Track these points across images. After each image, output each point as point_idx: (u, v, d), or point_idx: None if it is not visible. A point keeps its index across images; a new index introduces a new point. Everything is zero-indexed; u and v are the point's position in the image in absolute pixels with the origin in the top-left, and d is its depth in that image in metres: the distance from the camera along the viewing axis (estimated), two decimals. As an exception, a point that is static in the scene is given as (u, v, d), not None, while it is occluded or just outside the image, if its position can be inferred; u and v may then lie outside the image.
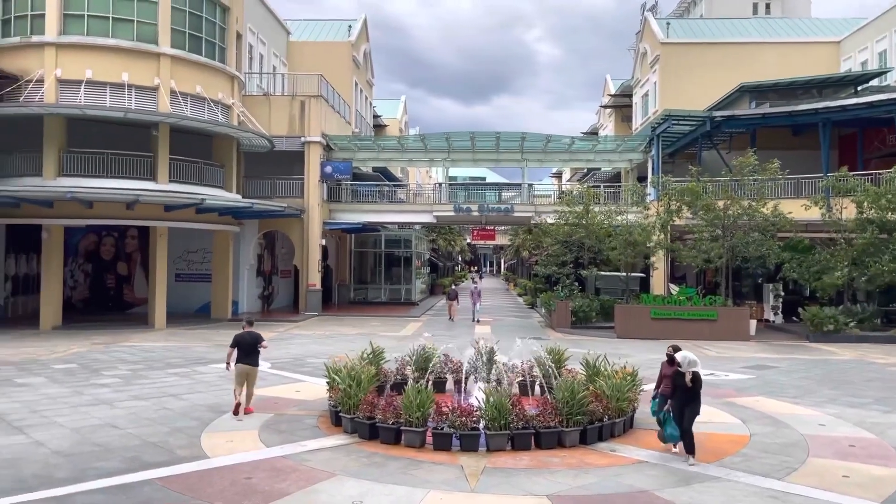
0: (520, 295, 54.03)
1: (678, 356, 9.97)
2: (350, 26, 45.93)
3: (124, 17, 25.94)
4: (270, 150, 31.79)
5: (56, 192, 23.97)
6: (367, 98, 50.51)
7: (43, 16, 25.11)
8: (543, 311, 33.52)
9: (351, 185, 36.40)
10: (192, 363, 18.42)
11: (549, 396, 11.38)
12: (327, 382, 12.22)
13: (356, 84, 45.73)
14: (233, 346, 12.52)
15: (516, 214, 36.32)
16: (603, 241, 29.60)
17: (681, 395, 9.79)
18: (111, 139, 26.37)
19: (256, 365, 12.61)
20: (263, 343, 12.75)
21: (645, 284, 33.85)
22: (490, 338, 13.52)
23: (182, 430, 11.38)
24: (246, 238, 32.87)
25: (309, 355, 19.98)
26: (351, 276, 42.29)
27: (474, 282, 37.66)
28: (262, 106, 32.97)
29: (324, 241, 34.56)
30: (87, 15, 25.55)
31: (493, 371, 12.29)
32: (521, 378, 13.15)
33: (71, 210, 25.27)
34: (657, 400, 10.77)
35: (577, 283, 31.68)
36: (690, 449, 9.75)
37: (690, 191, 26.57)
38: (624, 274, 31.09)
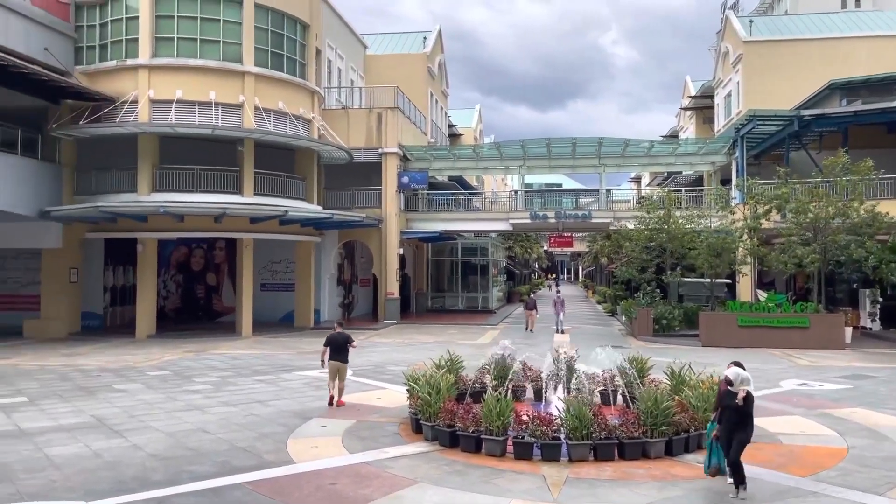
0: (599, 302, 53.15)
1: (729, 373, 8.99)
2: (425, 38, 46.51)
3: (211, 39, 27.10)
4: (349, 161, 32.49)
5: (150, 207, 25.22)
6: (442, 108, 50.97)
7: (136, 40, 26.51)
8: (624, 318, 32.85)
9: (427, 194, 36.77)
10: (278, 370, 18.97)
11: (631, 406, 11.15)
12: (407, 390, 12.37)
13: (431, 95, 46.22)
14: (326, 345, 14.05)
15: (594, 220, 35.79)
16: (686, 247, 28.79)
17: (730, 418, 8.69)
18: (199, 155, 27.54)
19: (346, 362, 14.08)
20: (353, 343, 14.30)
21: (731, 291, 32.67)
22: (569, 346, 13.35)
23: (269, 435, 11.73)
24: (326, 248, 33.66)
25: (389, 363, 20.25)
26: (428, 285, 42.65)
27: (557, 290, 35.76)
28: (341, 119, 33.76)
29: (401, 250, 35.01)
30: (177, 38, 26.81)
31: (573, 380, 12.14)
32: (602, 387, 12.94)
33: (163, 224, 26.57)
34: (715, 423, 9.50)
35: (658, 290, 30.90)
36: (739, 481, 8.62)
37: (780, 195, 25.52)
38: (708, 280, 30.12)
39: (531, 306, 31.80)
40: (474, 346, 24.12)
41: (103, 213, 25.15)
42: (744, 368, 9.07)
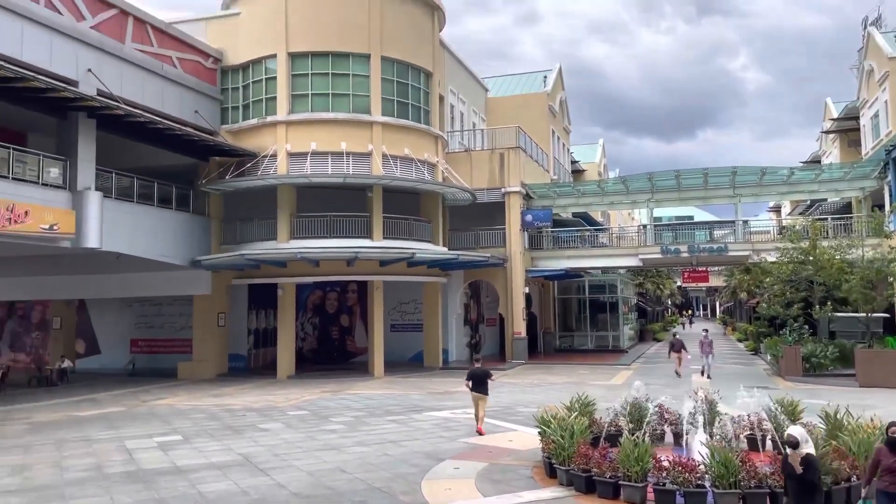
0: (739, 340, 50.27)
1: (793, 431, 7.35)
2: (545, 77, 46.74)
3: (341, 93, 28.60)
4: (473, 202, 32.94)
5: (288, 253, 26.66)
6: (564, 145, 50.78)
7: (275, 98, 28.43)
8: (769, 357, 30.78)
9: (551, 231, 36.49)
10: (409, 411, 19.23)
11: (782, 452, 10.34)
12: (539, 433, 12.14)
13: (553, 132, 46.20)
14: (468, 379, 15.68)
15: (731, 254, 34.03)
16: (836, 279, 26.67)
17: (793, 490, 7.15)
18: (332, 202, 28.89)
19: (485, 394, 15.60)
20: (492, 377, 15.82)
21: (889, 326, 29.87)
22: (710, 387, 12.63)
23: (403, 475, 11.85)
24: (453, 288, 34.08)
25: (518, 404, 20.01)
26: (555, 324, 42.03)
27: (704, 330, 30.89)
28: (464, 161, 34.39)
29: (527, 289, 34.81)
30: (311, 94, 28.49)
31: (716, 424, 11.45)
32: (748, 432, 12.12)
33: (301, 269, 27.98)
34: (868, 502, 8.07)
35: (806, 326, 28.77)
36: None
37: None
38: (864, 315, 27.71)
39: (678, 347, 28.06)
40: (606, 388, 23.39)
41: (248, 260, 26.84)
42: None
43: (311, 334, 36.13)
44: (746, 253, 33.58)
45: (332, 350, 35.80)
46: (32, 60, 21.10)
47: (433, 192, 30.97)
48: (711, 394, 12.46)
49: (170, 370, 30.27)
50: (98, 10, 24.09)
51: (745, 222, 35.31)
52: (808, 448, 7.37)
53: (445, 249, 31.60)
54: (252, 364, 32.59)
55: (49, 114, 22.55)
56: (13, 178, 20.74)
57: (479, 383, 15.43)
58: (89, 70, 23.13)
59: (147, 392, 24.66)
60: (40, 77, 19.98)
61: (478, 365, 16.06)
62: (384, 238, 28.46)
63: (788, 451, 7.37)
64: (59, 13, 22.47)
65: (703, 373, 25.61)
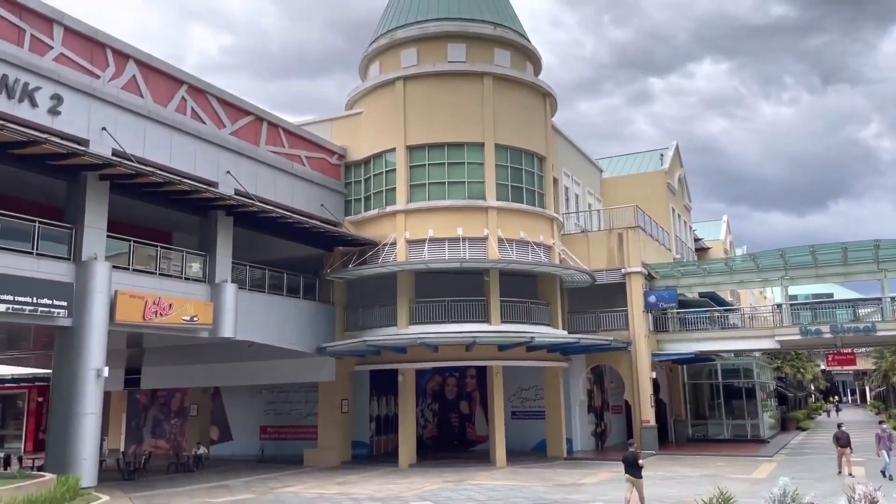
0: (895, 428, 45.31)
1: None
2: (661, 155, 46.10)
3: (457, 181, 29.38)
4: (592, 284, 32.29)
5: (408, 339, 27.00)
6: (685, 223, 49.32)
7: (394, 189, 29.59)
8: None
9: (677, 313, 34.97)
10: None
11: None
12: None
13: (673, 210, 45.07)
14: (622, 460, 17.03)
15: (879, 334, 31.18)
16: None
17: None
18: (448, 287, 29.19)
19: (638, 477, 16.64)
20: (640, 461, 16.98)
21: None
22: (867, 482, 11.31)
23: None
24: (574, 374, 33.09)
25: (652, 499, 18.66)
26: (686, 411, 39.64)
27: (880, 422, 26.07)
28: (581, 242, 34.00)
29: (654, 374, 33.22)
30: (428, 183, 29.46)
31: (882, 526, 10.16)
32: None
33: (420, 354, 28.17)
34: None
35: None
36: None
37: None
38: None
39: (844, 442, 24.05)
40: (748, 482, 21.55)
41: (369, 346, 27.38)
42: None
43: (430, 421, 35.95)
44: (898, 332, 30.66)
45: (452, 437, 35.38)
46: (179, 166, 23.22)
47: (550, 275, 30.68)
48: (872, 491, 11.15)
49: (296, 457, 30.87)
50: (236, 118, 26.36)
51: (893, 299, 32.39)
52: None
53: (565, 333, 30.94)
54: (374, 451, 32.66)
55: (192, 213, 24.53)
56: (160, 274, 22.56)
57: (631, 466, 16.58)
58: (228, 172, 25.13)
59: (275, 479, 25.18)
60: (186, 181, 21.90)
61: (632, 449, 17.22)
62: (502, 322, 28.30)
63: None
64: (203, 122, 24.77)
65: (884, 473, 22.47)
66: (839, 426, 25.35)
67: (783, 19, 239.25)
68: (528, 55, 32.46)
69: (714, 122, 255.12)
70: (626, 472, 16.78)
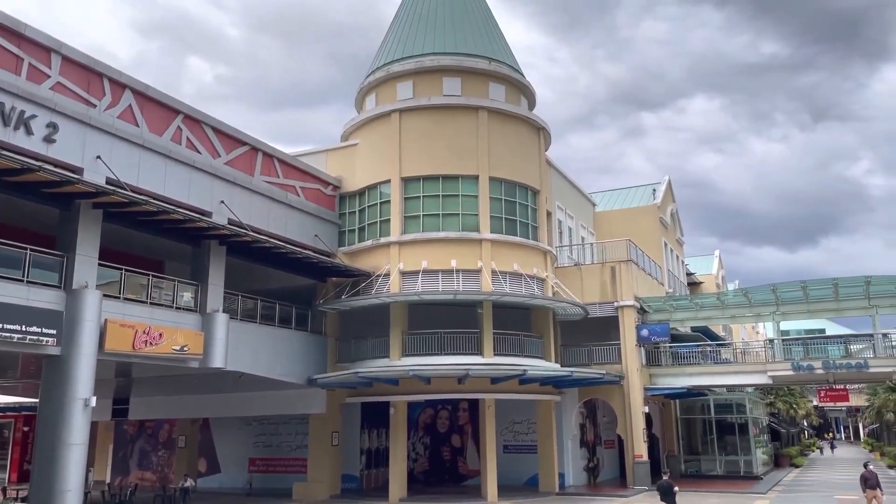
0: (890, 466, 45.12)
1: None
2: (654, 190, 46.46)
3: (451, 213, 29.46)
4: (584, 317, 32.24)
5: (400, 371, 26.79)
6: (678, 257, 49.51)
7: (388, 221, 29.64)
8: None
9: (670, 347, 34.92)
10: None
11: None
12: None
13: (665, 244, 45.27)
14: (657, 489, 18.34)
15: (871, 370, 31.18)
16: None
17: None
18: (441, 319, 29.06)
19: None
20: (676, 489, 18.23)
21: None
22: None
23: None
24: (567, 408, 32.86)
25: (643, 535, 18.54)
26: (679, 446, 39.34)
27: (867, 467, 23.15)
28: (574, 276, 34.02)
29: (646, 408, 33.03)
30: (422, 215, 29.52)
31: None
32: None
33: (412, 386, 27.94)
34: None
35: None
36: None
37: None
38: None
39: (873, 483, 21.99)
40: (741, 518, 21.28)
41: (361, 378, 27.13)
42: None
43: (422, 454, 35.52)
44: (890, 369, 30.73)
45: (443, 471, 34.93)
46: (173, 195, 23.22)
47: (543, 307, 30.63)
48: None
49: (285, 490, 30.39)
50: (231, 148, 26.46)
51: (885, 336, 32.45)
52: None
53: (558, 366, 30.79)
54: (364, 485, 32.18)
55: (185, 242, 24.46)
56: (150, 303, 22.40)
57: (666, 493, 17.70)
58: (222, 202, 25.14)
59: (262, 512, 24.71)
60: (180, 210, 21.89)
61: (666, 477, 18.77)
62: (495, 354, 28.15)
63: None
64: (198, 152, 24.84)
65: None
66: (865, 465, 23.26)
67: (775, 58, 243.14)
68: (522, 89, 32.84)
69: (707, 158, 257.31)
70: (662, 499, 17.77)
